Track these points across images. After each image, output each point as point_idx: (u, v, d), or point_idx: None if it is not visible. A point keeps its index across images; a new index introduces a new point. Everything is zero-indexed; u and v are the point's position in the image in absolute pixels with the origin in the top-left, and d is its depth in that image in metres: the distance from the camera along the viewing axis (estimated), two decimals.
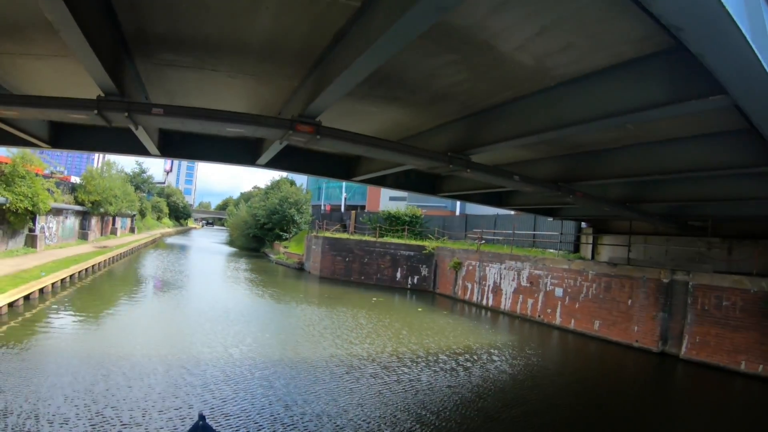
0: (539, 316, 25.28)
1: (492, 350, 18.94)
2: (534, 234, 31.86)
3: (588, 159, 11.89)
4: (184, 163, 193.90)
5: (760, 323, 17.17)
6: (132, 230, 66.07)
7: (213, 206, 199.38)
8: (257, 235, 63.38)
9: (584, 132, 7.86)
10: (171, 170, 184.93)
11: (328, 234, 39.99)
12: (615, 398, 14.48)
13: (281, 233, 58.07)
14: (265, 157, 11.86)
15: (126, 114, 6.42)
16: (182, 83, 8.27)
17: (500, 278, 27.99)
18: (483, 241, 33.22)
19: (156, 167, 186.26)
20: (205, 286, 29.47)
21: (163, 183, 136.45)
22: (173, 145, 12.35)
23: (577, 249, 28.58)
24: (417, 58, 6.43)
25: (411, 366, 15.68)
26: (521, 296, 26.56)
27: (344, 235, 39.82)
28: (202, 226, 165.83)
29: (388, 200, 67.47)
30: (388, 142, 8.42)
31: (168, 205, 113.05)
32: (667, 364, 18.60)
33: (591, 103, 6.58)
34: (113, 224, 54.91)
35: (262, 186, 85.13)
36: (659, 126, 9.14)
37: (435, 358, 16.99)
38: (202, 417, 8.13)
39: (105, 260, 34.79)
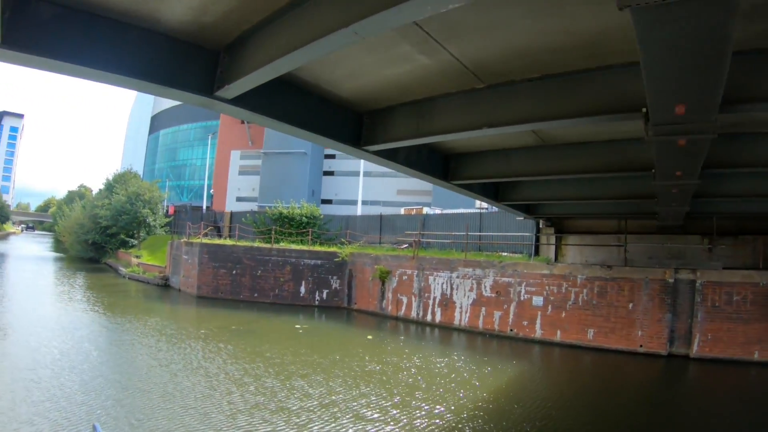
0: (511, 330, 21.04)
1: (532, 382, 15.65)
2: (480, 236, 26.65)
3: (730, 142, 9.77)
4: (2, 155, 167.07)
5: None
6: None
7: (33, 207, 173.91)
8: (97, 241, 51.73)
9: None
10: None
11: (206, 240, 31.44)
12: (643, 408, 13.22)
13: (128, 239, 47.45)
14: (241, 85, 6.55)
15: None
16: None
17: (451, 289, 22.79)
18: (406, 246, 27.64)
19: None
20: (37, 330, 18.42)
21: None
22: (34, 25, 5.49)
23: (537, 251, 23.98)
24: None
25: None
26: (484, 309, 21.87)
27: (229, 242, 31.38)
28: (22, 230, 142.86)
29: (235, 201, 60.35)
30: None
31: None
32: (679, 366, 17.82)
33: None
34: None
35: (91, 186, 72.22)
36: None
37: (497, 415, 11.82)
38: (95, 428, 6.14)
39: None
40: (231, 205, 58.33)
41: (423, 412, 11.64)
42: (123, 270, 41.15)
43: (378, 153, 10.00)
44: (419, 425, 10.88)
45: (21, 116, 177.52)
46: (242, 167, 62.94)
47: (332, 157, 57.43)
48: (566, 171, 11.95)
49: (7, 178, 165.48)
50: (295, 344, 18.68)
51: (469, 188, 14.48)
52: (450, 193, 42.22)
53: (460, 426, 10.91)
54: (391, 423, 10.88)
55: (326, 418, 10.89)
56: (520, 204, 17.94)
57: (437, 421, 11.18)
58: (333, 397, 12.40)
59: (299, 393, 12.61)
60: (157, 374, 13.76)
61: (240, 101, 7.05)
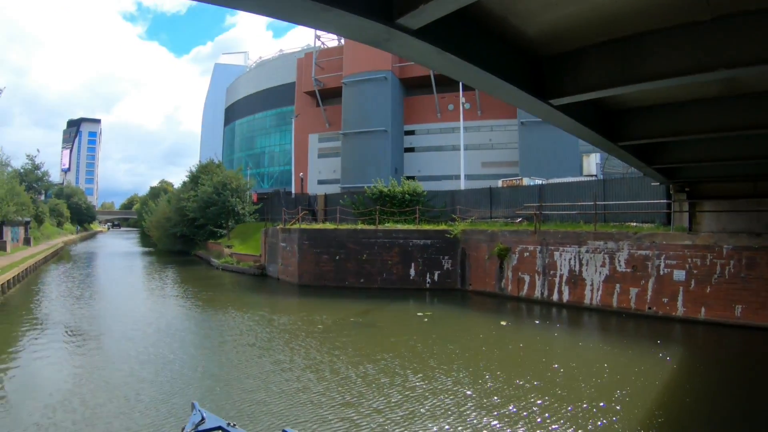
0: (650, 308, 19.39)
1: (696, 369, 13.93)
2: (605, 205, 24.68)
3: None
4: (84, 159, 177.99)
5: None
6: (27, 242, 52.47)
7: (117, 206, 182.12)
8: (185, 233, 52.59)
9: None
10: (69, 168, 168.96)
11: (305, 225, 30.85)
12: None
13: (216, 229, 47.66)
14: (436, 7, 4.56)
15: None
16: None
17: (580, 264, 21.28)
18: (520, 220, 26.21)
19: (51, 165, 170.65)
20: (136, 335, 17.09)
21: (62, 183, 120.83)
22: None
23: (669, 220, 21.96)
24: None
25: None
26: (618, 285, 20.22)
27: (330, 225, 30.60)
28: (108, 228, 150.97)
29: (317, 184, 60.09)
30: None
31: (69, 207, 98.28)
32: None
33: None
34: (0, 236, 42.67)
35: (173, 180, 73.31)
36: None
37: None
38: (194, 406, 7.54)
39: None
40: (312, 188, 58.31)
41: (597, 410, 10.26)
42: (215, 261, 41.17)
43: (561, 107, 8.26)
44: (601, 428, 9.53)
45: (98, 121, 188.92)
46: (321, 150, 62.78)
47: (411, 133, 56.10)
48: (753, 125, 10.31)
49: (90, 181, 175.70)
50: (423, 334, 17.67)
51: (628, 149, 12.87)
52: (539, 163, 40.36)
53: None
54: (572, 426, 9.60)
55: (495, 426, 9.58)
56: (667, 168, 16.17)
57: (622, 421, 9.84)
58: (490, 398, 11.10)
59: (449, 395, 11.28)
60: (279, 380, 12.28)
61: (424, 34, 5.22)
